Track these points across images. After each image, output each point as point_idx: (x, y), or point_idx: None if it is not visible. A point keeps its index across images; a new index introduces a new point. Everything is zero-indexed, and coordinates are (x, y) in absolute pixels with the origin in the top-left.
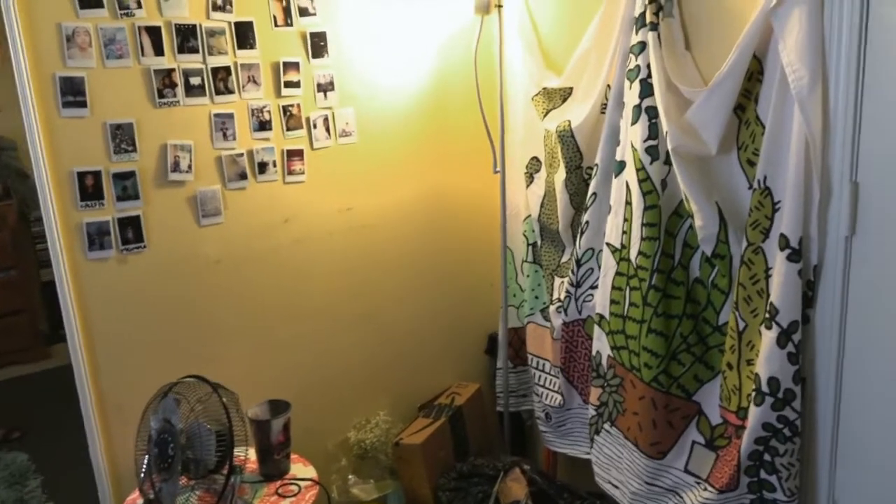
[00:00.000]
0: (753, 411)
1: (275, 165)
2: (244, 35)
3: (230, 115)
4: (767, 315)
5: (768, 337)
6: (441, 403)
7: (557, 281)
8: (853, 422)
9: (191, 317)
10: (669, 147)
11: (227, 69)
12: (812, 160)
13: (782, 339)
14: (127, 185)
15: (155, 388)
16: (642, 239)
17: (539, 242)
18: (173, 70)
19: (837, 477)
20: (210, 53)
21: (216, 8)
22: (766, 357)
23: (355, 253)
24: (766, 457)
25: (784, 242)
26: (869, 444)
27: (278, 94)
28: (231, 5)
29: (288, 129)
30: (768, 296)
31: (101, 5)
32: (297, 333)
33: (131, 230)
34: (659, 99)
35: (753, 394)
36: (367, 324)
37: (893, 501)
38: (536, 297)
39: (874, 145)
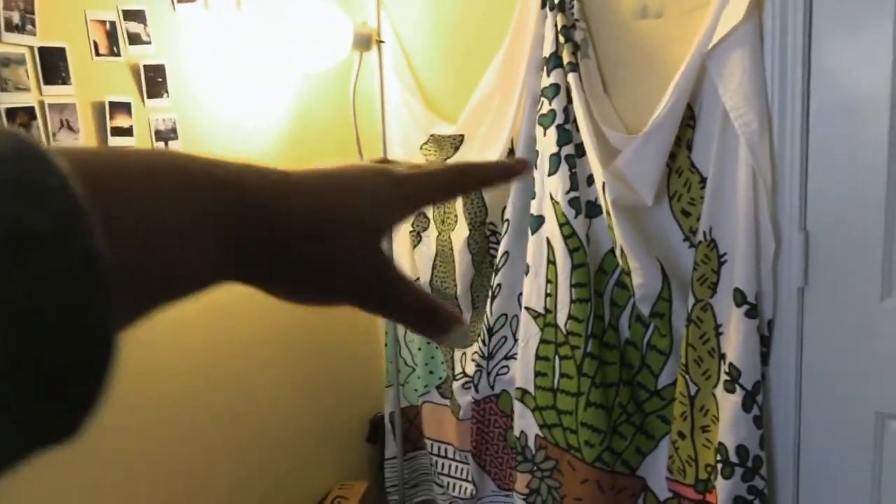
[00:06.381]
0: (723, 485)
1: None
2: (53, 66)
3: None
4: (727, 377)
5: (731, 401)
6: None
7: (458, 353)
8: (813, 482)
9: None
10: (609, 199)
11: (29, 111)
12: (762, 209)
13: (748, 403)
14: None
15: None
16: (572, 301)
17: None
18: None
19: None
20: (4, 89)
21: (11, 28)
22: (732, 423)
23: (210, 341)
24: None
25: (740, 298)
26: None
27: (104, 145)
28: (34, 25)
29: None
30: (720, 355)
31: None
32: (142, 452)
33: None
34: (589, 146)
35: (720, 465)
36: (232, 428)
37: None
38: (431, 373)
39: (821, 190)
